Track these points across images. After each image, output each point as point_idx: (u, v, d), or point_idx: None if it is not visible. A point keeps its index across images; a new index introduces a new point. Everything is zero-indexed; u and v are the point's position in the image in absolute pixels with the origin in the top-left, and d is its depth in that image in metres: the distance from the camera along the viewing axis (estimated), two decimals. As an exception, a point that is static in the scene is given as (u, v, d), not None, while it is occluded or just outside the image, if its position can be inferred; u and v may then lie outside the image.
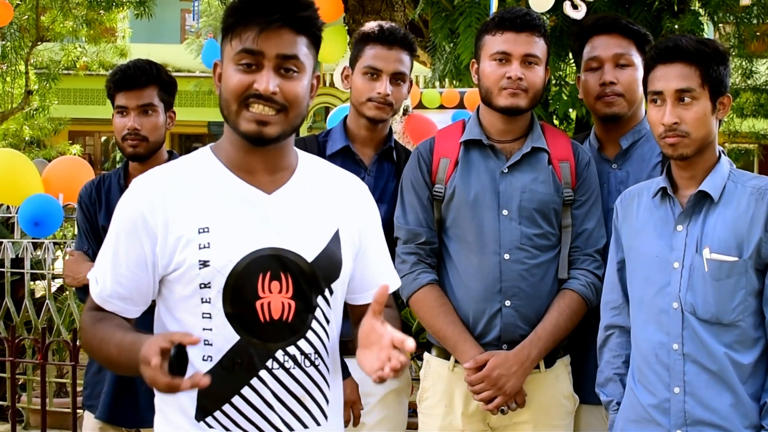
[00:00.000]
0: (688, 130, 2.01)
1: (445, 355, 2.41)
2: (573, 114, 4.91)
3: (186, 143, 20.50)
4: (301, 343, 1.63)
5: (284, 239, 1.62)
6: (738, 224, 2.00)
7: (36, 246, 5.04)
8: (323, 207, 1.69)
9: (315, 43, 1.64)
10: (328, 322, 1.69)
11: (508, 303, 2.30)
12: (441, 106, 9.09)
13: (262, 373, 1.60)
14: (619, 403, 2.17)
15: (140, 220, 1.60)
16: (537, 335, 2.29)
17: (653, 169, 2.45)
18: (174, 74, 2.81)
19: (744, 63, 6.24)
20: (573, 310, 2.33)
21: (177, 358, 1.39)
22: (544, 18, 4.00)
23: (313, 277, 1.64)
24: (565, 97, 4.45)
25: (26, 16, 8.80)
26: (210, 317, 1.59)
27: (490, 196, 2.34)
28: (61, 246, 5.21)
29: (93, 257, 2.71)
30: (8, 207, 5.02)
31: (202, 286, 1.58)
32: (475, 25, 3.95)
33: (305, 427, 1.64)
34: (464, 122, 2.48)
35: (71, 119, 12.31)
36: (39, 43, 9.22)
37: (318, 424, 1.66)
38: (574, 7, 3.33)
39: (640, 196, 2.17)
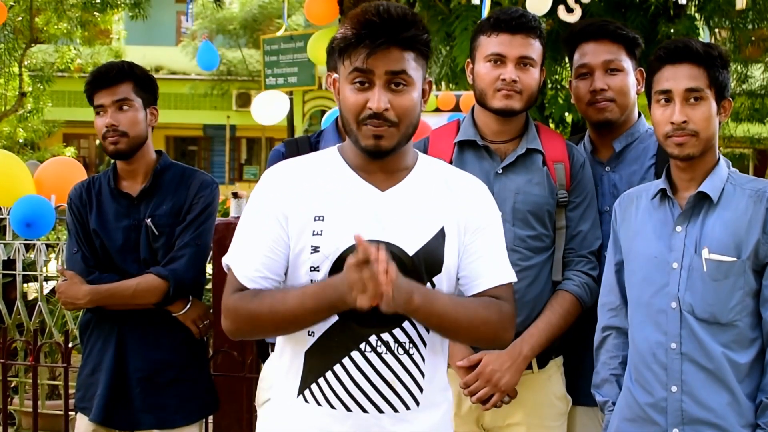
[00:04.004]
0: (696, 129, 2.02)
1: (438, 356, 2.39)
2: (569, 118, 4.92)
3: (181, 146, 20.45)
4: (396, 331, 1.75)
5: (389, 233, 1.75)
6: (736, 225, 2.01)
7: (28, 248, 5.00)
8: (431, 205, 1.81)
9: (423, 54, 1.79)
10: None
11: (501, 305, 2.29)
12: (437, 109, 9.12)
13: (354, 354, 1.74)
14: (614, 404, 2.17)
15: (276, 207, 1.78)
16: (529, 333, 2.28)
17: (646, 172, 2.45)
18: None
19: (739, 68, 6.26)
20: (566, 310, 2.32)
21: None
22: (541, 21, 3.99)
23: (413, 269, 1.74)
24: (561, 101, 4.45)
25: (20, 18, 8.74)
26: None
27: (484, 197, 2.32)
28: (54, 247, 5.18)
29: (84, 260, 2.66)
30: (0, 208, 4.99)
31: (312, 269, 1.75)
32: (471, 28, 3.95)
33: (395, 411, 1.76)
34: (458, 122, 2.47)
35: (65, 122, 12.29)
36: (33, 44, 9.17)
37: (408, 408, 1.77)
38: (569, 10, 3.33)
39: (639, 198, 2.18)
